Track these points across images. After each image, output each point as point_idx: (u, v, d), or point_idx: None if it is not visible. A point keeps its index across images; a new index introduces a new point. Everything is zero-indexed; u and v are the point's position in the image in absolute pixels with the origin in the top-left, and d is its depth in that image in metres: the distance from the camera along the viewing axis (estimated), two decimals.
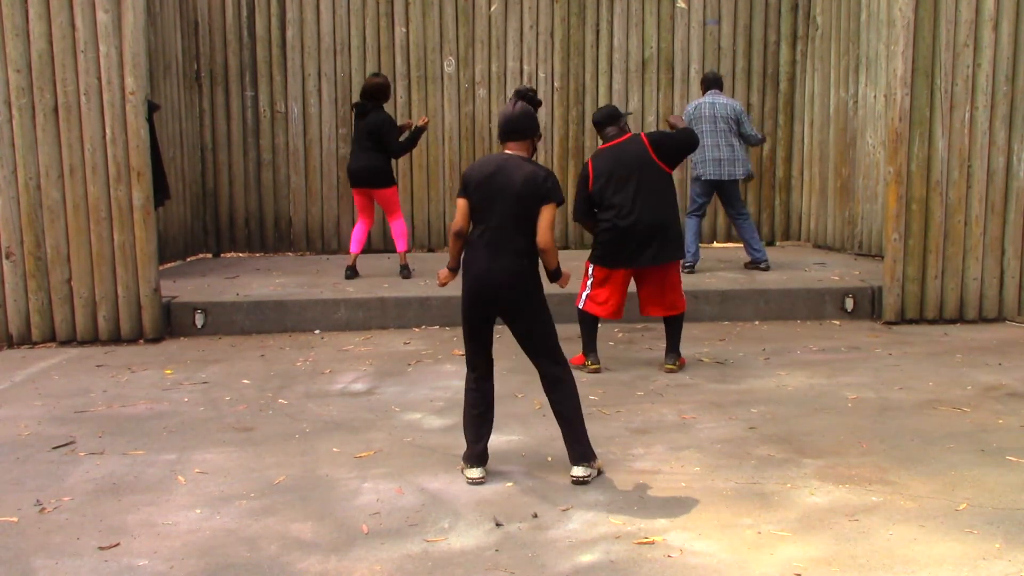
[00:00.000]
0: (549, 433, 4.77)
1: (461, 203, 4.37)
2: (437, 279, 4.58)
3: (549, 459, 4.54)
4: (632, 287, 6.30)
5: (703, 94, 8.49)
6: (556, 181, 4.30)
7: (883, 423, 5.02)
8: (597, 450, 4.62)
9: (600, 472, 4.34)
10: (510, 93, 9.64)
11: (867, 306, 7.70)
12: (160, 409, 5.52)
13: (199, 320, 7.48)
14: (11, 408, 5.60)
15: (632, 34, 10.28)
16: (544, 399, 4.60)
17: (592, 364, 6.15)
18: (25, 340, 7.24)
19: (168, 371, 6.40)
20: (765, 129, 10.48)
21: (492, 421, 4.41)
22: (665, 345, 6.27)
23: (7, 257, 7.16)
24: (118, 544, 3.69)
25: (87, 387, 6.04)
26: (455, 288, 4.88)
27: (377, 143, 8.19)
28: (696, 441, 4.78)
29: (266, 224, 10.44)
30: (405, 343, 7.09)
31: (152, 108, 7.72)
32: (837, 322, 7.61)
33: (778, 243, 10.69)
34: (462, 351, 4.83)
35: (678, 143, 6.12)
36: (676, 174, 9.93)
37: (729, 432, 4.91)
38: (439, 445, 4.80)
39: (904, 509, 3.88)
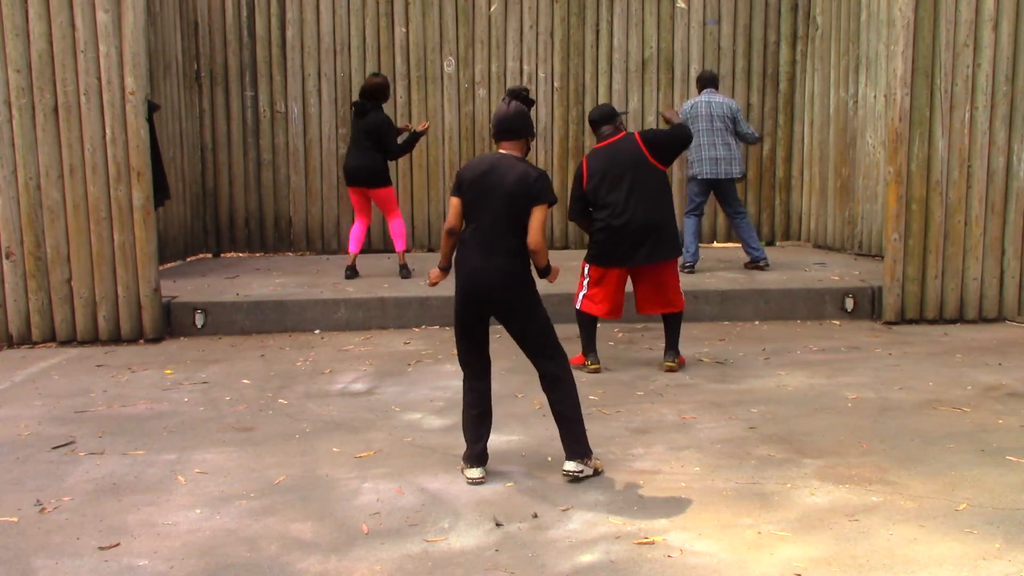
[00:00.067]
0: (549, 433, 4.77)
1: (454, 201, 4.38)
2: (428, 279, 4.58)
3: (549, 459, 4.54)
4: (630, 287, 6.31)
5: (699, 93, 8.49)
6: (548, 181, 4.29)
7: (883, 423, 5.02)
8: (597, 450, 4.62)
9: (598, 472, 4.34)
10: None
11: (867, 306, 7.70)
12: (160, 409, 5.52)
13: (199, 320, 7.48)
14: (11, 408, 5.60)
15: (632, 34, 10.28)
16: (544, 399, 4.60)
17: (592, 364, 6.15)
18: (25, 340, 7.24)
19: (168, 371, 6.40)
20: (765, 129, 10.48)
21: (491, 421, 4.41)
22: (664, 343, 6.27)
23: (7, 257, 7.16)
24: (118, 544, 3.69)
25: (87, 387, 6.04)
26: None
27: (375, 143, 8.19)
28: (696, 441, 4.78)
29: (266, 224, 10.45)
30: (405, 343, 7.09)
31: (152, 108, 7.72)
32: (837, 322, 7.61)
33: (778, 243, 10.69)
34: None
35: (671, 140, 6.12)
36: (676, 174, 10.08)
37: (729, 432, 4.91)
38: (439, 445, 4.80)
39: (904, 509, 3.88)
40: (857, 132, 9.30)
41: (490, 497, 4.11)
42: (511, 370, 6.10)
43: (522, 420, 5.15)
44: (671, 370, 6.15)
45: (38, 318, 7.21)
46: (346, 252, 9.13)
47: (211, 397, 5.76)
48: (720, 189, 8.39)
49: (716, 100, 8.31)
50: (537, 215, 4.23)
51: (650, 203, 5.95)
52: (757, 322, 7.64)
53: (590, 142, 10.18)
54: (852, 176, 9.44)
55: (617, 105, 10.23)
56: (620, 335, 7.25)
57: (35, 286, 7.17)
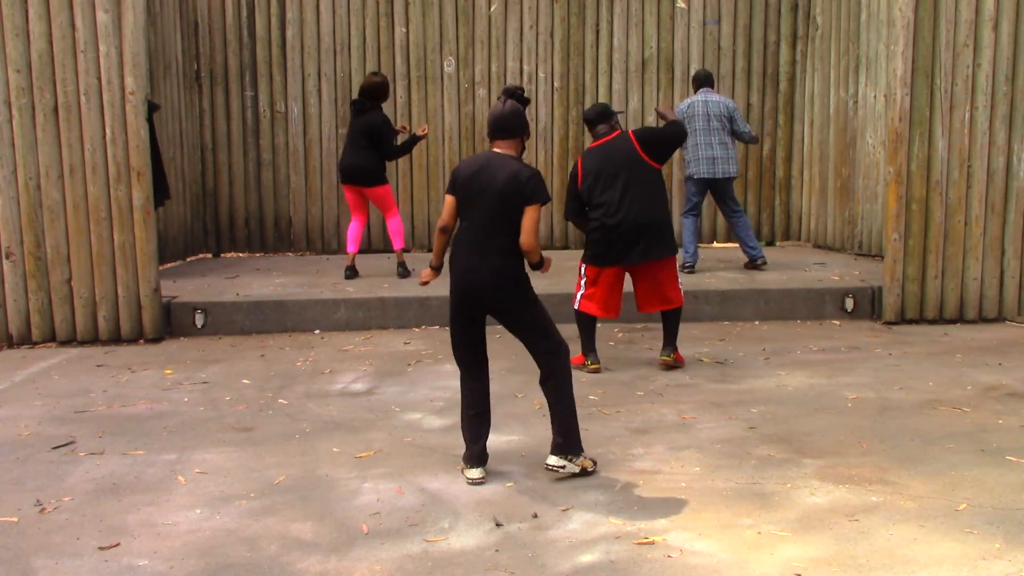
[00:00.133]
0: (549, 433, 4.75)
1: (448, 199, 4.38)
2: (419, 278, 4.57)
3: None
4: (627, 287, 6.31)
5: (694, 92, 8.49)
6: (540, 181, 4.27)
7: (883, 423, 5.02)
8: (597, 450, 4.62)
9: (585, 471, 4.30)
10: None
11: (867, 306, 7.70)
12: (160, 409, 5.52)
13: (199, 320, 7.48)
14: (11, 408, 5.60)
15: (632, 34, 10.28)
16: (544, 399, 4.60)
17: (592, 364, 6.15)
18: (25, 340, 7.24)
19: (168, 371, 6.40)
20: (765, 129, 10.48)
21: (489, 420, 4.41)
22: (662, 339, 6.28)
23: (7, 257, 7.16)
24: (118, 544, 3.69)
25: (87, 387, 6.04)
26: None
27: (371, 142, 8.20)
28: (696, 441, 4.78)
29: (266, 224, 10.44)
30: (405, 343, 7.09)
31: (152, 108, 7.72)
32: (837, 322, 7.61)
33: (778, 243, 10.69)
34: None
35: (665, 138, 6.12)
36: (676, 174, 10.08)
37: (729, 432, 4.91)
38: (439, 445, 4.80)
39: (904, 509, 3.88)
40: (857, 132, 9.30)
41: (490, 497, 4.11)
42: (511, 370, 6.10)
43: (522, 420, 5.15)
44: (666, 364, 6.17)
45: (38, 318, 7.22)
46: (345, 252, 9.13)
47: (211, 397, 5.76)
48: (717, 188, 8.39)
49: (713, 99, 8.31)
50: (530, 215, 4.22)
51: (644, 201, 5.95)
52: (757, 322, 7.64)
53: (590, 142, 10.16)
54: (852, 176, 9.44)
55: (617, 105, 10.23)
56: (620, 335, 7.25)
57: (35, 286, 7.17)
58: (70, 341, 7.27)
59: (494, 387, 5.18)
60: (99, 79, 7.02)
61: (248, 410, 5.48)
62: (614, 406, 5.42)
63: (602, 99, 10.29)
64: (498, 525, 3.80)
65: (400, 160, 9.64)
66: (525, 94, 4.50)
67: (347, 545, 3.66)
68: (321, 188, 10.36)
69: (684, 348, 6.68)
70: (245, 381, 6.10)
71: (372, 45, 10.23)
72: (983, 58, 7.28)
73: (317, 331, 7.52)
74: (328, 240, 10.43)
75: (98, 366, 6.60)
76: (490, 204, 4.23)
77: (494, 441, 4.54)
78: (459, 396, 4.46)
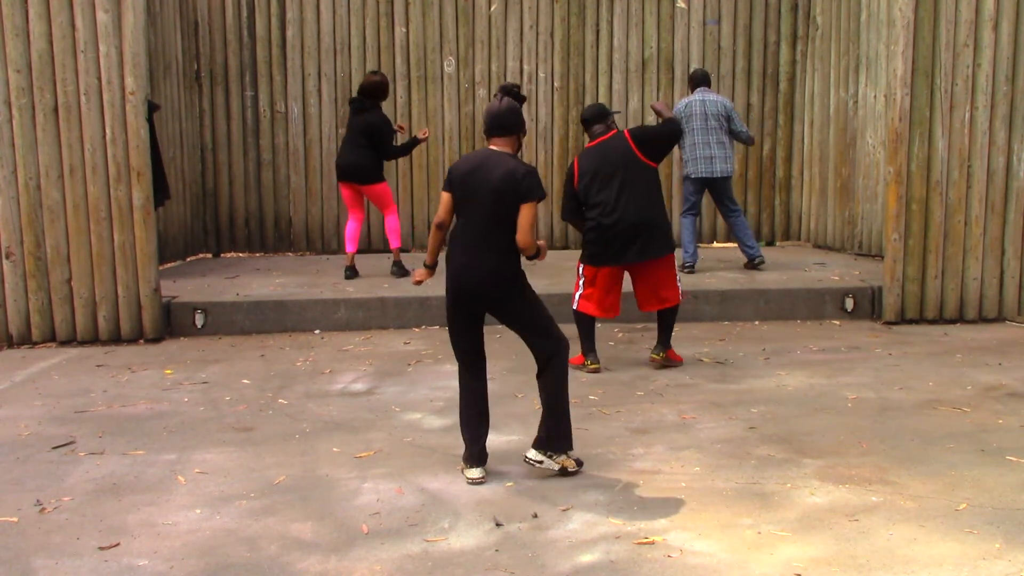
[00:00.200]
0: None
1: (445, 197, 4.38)
2: (412, 277, 4.56)
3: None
4: (628, 287, 6.31)
5: (691, 92, 8.49)
6: (536, 178, 4.26)
7: (883, 423, 5.02)
8: (597, 450, 4.62)
9: (565, 471, 4.30)
10: None
11: (867, 306, 7.70)
12: (160, 409, 5.52)
13: (199, 320, 7.48)
14: (11, 408, 5.60)
15: (632, 34, 10.28)
16: None
17: (592, 364, 6.16)
18: (25, 340, 7.24)
19: (168, 371, 6.40)
20: (765, 129, 10.48)
21: (488, 420, 4.41)
22: (656, 337, 6.29)
23: (7, 257, 7.16)
24: (118, 544, 3.69)
25: (87, 387, 6.04)
26: None
27: (369, 141, 8.20)
28: (696, 441, 4.78)
29: (266, 224, 10.44)
30: (405, 343, 7.09)
31: (152, 108, 7.72)
32: (837, 322, 7.61)
33: (778, 243, 10.69)
34: None
35: (661, 136, 6.12)
36: (676, 174, 10.07)
37: (729, 432, 4.91)
38: (439, 445, 4.80)
39: (904, 509, 3.88)
40: (857, 132, 9.30)
41: (490, 497, 4.11)
42: (511, 370, 6.10)
43: (522, 420, 5.15)
44: (656, 362, 6.18)
45: (38, 318, 7.21)
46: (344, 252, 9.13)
47: (211, 397, 5.76)
48: (715, 188, 8.38)
49: (710, 99, 8.31)
50: (526, 213, 4.21)
51: (640, 201, 5.95)
52: (757, 322, 7.64)
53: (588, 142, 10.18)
54: (852, 176, 9.44)
55: (617, 105, 10.24)
56: (620, 335, 7.25)
57: (35, 286, 7.17)
58: (70, 341, 7.27)
59: (494, 387, 5.18)
60: (99, 79, 7.02)
61: (248, 410, 5.48)
62: (614, 406, 5.42)
63: (602, 99, 10.29)
64: (498, 525, 3.80)
65: (400, 160, 9.65)
66: (522, 92, 4.49)
67: (347, 545, 3.66)
68: (321, 188, 10.36)
69: (684, 348, 6.68)
70: (245, 381, 6.10)
71: (372, 45, 10.23)
72: (983, 58, 7.28)
73: (317, 331, 7.52)
74: (328, 240, 10.43)
75: (98, 366, 6.60)
76: (486, 201, 4.23)
77: (494, 441, 4.54)
78: (458, 396, 4.46)
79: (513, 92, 4.41)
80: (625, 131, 6.13)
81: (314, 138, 10.31)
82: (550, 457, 4.29)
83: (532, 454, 4.31)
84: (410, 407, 5.47)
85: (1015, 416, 5.10)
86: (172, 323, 7.46)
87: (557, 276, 8.12)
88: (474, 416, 4.35)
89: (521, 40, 10.28)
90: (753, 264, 8.54)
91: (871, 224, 9.15)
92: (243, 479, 4.37)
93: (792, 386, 5.77)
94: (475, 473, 4.27)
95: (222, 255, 10.50)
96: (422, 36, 10.22)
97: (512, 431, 4.95)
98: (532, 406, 5.38)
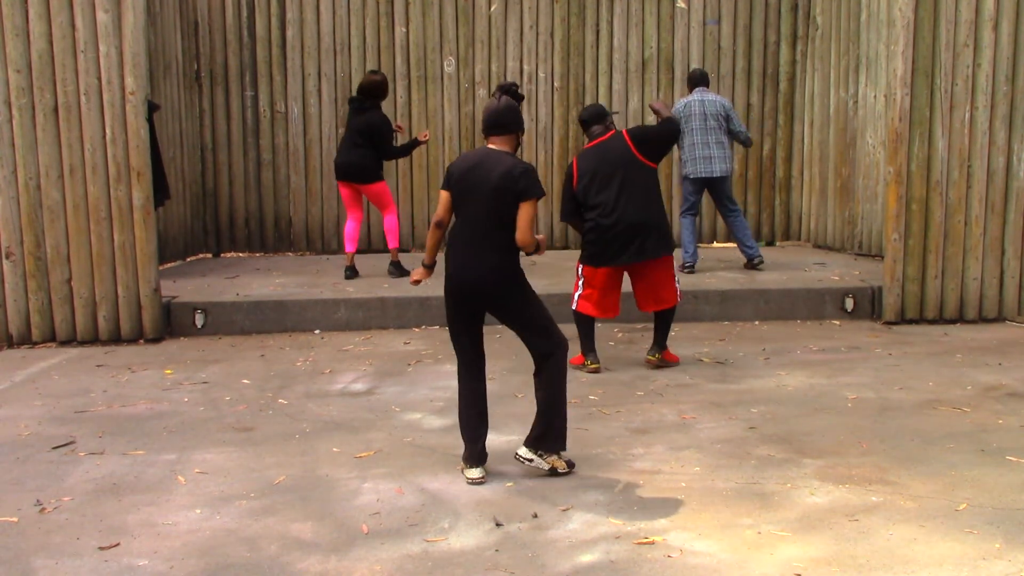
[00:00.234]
0: None
1: (443, 195, 4.38)
2: (410, 277, 4.56)
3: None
4: (627, 287, 6.31)
5: (689, 92, 8.48)
6: (534, 176, 4.25)
7: (883, 423, 5.02)
8: (597, 450, 4.63)
9: (555, 471, 4.29)
10: None
11: (867, 306, 7.70)
12: (160, 409, 5.52)
13: (199, 320, 7.48)
14: (11, 408, 5.60)
15: (632, 34, 10.28)
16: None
17: (591, 364, 6.16)
18: (25, 340, 7.24)
19: (168, 371, 6.40)
20: (765, 129, 10.48)
21: (487, 419, 4.41)
22: (652, 338, 6.29)
23: (7, 257, 7.16)
24: (118, 544, 3.69)
25: (87, 387, 6.04)
26: None
27: (368, 141, 8.20)
28: (696, 441, 4.78)
29: (266, 224, 10.44)
30: (405, 343, 7.09)
31: (152, 108, 7.72)
32: (837, 322, 7.60)
33: (778, 243, 10.69)
34: None
35: (660, 137, 6.12)
36: (675, 173, 10.06)
37: (729, 432, 4.91)
38: (439, 445, 4.80)
39: (904, 509, 3.88)
40: (857, 132, 9.30)
41: (490, 497, 4.11)
42: (511, 370, 6.10)
43: (522, 420, 5.14)
44: (651, 363, 6.19)
45: (38, 318, 7.21)
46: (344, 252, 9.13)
47: (211, 397, 5.76)
48: (713, 187, 8.38)
49: (709, 98, 8.30)
50: (525, 211, 4.20)
51: (639, 201, 5.95)
52: (757, 322, 7.64)
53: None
54: (852, 176, 9.44)
55: (617, 105, 10.24)
56: (620, 335, 7.25)
57: (35, 286, 7.17)
58: (70, 341, 7.27)
59: (494, 387, 5.19)
60: (99, 79, 7.02)
61: (248, 410, 5.48)
62: (614, 406, 5.42)
63: (602, 99, 10.29)
64: (498, 525, 3.80)
65: (400, 160, 9.64)
66: (520, 91, 4.48)
67: (347, 545, 3.66)
68: (321, 188, 10.36)
69: (684, 348, 6.69)
70: (245, 381, 6.10)
71: (372, 45, 10.23)
72: (983, 58, 7.28)
73: (317, 331, 7.52)
74: (328, 240, 10.43)
75: (98, 366, 6.60)
76: (485, 200, 4.22)
77: (494, 441, 4.54)
78: (458, 396, 4.46)
79: (511, 91, 4.40)
80: (624, 131, 6.12)
81: (314, 138, 10.31)
82: (541, 456, 4.30)
83: (523, 452, 4.31)
84: (410, 407, 5.47)
85: (1015, 416, 5.10)
86: (172, 323, 7.46)
87: (557, 276, 8.12)
88: (474, 416, 4.35)
89: (521, 40, 10.28)
90: (752, 264, 8.53)
91: (871, 224, 9.15)
92: (243, 479, 4.37)
93: (792, 386, 5.77)
94: (475, 473, 4.27)
95: (222, 255, 10.50)
96: (422, 36, 10.22)
97: (512, 431, 4.95)
98: (532, 406, 5.35)
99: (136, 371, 6.42)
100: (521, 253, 4.34)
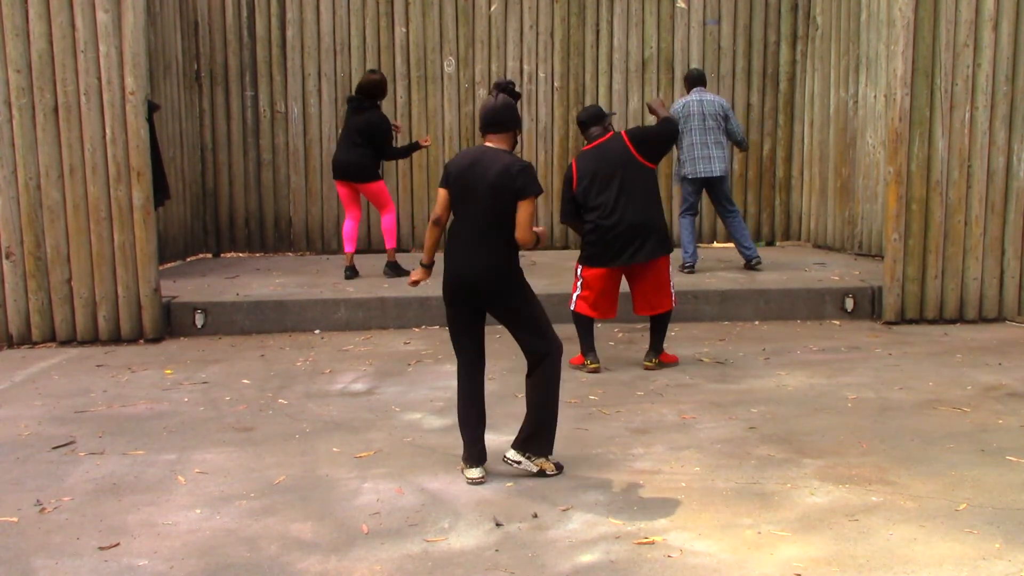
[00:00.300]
0: None
1: (442, 193, 4.37)
2: (409, 278, 4.55)
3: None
4: (625, 287, 6.32)
5: (687, 92, 8.47)
6: (532, 174, 4.24)
7: (883, 423, 5.02)
8: (597, 450, 4.63)
9: (544, 473, 4.30)
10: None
11: (867, 306, 7.70)
12: (160, 409, 5.52)
13: (199, 320, 7.48)
14: (11, 408, 5.60)
15: (632, 34, 10.28)
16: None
17: (591, 364, 6.16)
18: (25, 340, 7.24)
19: (168, 371, 6.40)
20: (765, 129, 10.49)
21: (485, 419, 4.40)
22: (648, 343, 6.30)
23: (7, 257, 7.16)
24: (118, 544, 3.69)
25: (87, 387, 6.04)
26: None
27: (367, 141, 8.20)
28: (696, 441, 4.78)
29: (266, 224, 10.44)
30: (405, 343, 7.09)
31: (152, 108, 7.72)
32: (837, 322, 7.60)
33: (778, 243, 10.69)
34: None
35: (658, 137, 6.13)
36: (671, 174, 10.06)
37: (729, 432, 4.91)
38: (439, 445, 4.80)
39: (904, 509, 3.88)
40: (857, 132, 9.30)
41: (490, 497, 4.11)
42: (511, 370, 6.10)
43: (522, 420, 5.14)
44: (648, 368, 6.20)
45: (38, 318, 7.21)
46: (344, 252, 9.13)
47: (211, 397, 5.76)
48: (712, 187, 8.38)
49: (708, 99, 8.30)
50: (524, 209, 4.19)
51: (639, 202, 5.96)
52: (757, 322, 7.64)
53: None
54: (852, 176, 9.44)
55: (617, 105, 10.24)
56: (620, 335, 7.25)
57: (35, 286, 7.17)
58: (70, 341, 7.27)
59: (494, 387, 5.19)
60: (99, 79, 7.02)
61: (248, 410, 5.48)
62: (614, 406, 5.42)
63: (602, 99, 10.30)
64: (498, 525, 3.80)
65: (401, 159, 9.64)
66: (516, 88, 4.46)
67: (347, 545, 3.66)
68: (321, 188, 10.36)
69: (684, 348, 6.69)
70: (245, 381, 6.10)
71: (372, 45, 10.23)
72: (983, 58, 7.28)
73: (317, 331, 7.52)
74: (328, 240, 10.43)
75: (98, 366, 6.60)
76: (483, 198, 4.22)
77: (494, 441, 4.54)
78: (457, 396, 4.46)
79: (508, 88, 4.39)
80: (623, 132, 6.13)
81: (314, 138, 10.31)
82: (529, 459, 4.30)
83: (511, 454, 4.31)
84: (410, 407, 5.47)
85: (1015, 416, 5.10)
86: (172, 323, 7.46)
87: (557, 276, 8.12)
88: (473, 416, 4.35)
89: (521, 40, 10.28)
90: (751, 265, 8.53)
91: (871, 224, 9.16)
92: (243, 479, 4.37)
93: (792, 386, 5.77)
94: (475, 473, 4.27)
95: (222, 255, 10.50)
96: (422, 36, 10.22)
97: (512, 431, 4.92)
98: None
99: (136, 371, 6.42)
100: (521, 252, 4.34)
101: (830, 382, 5.84)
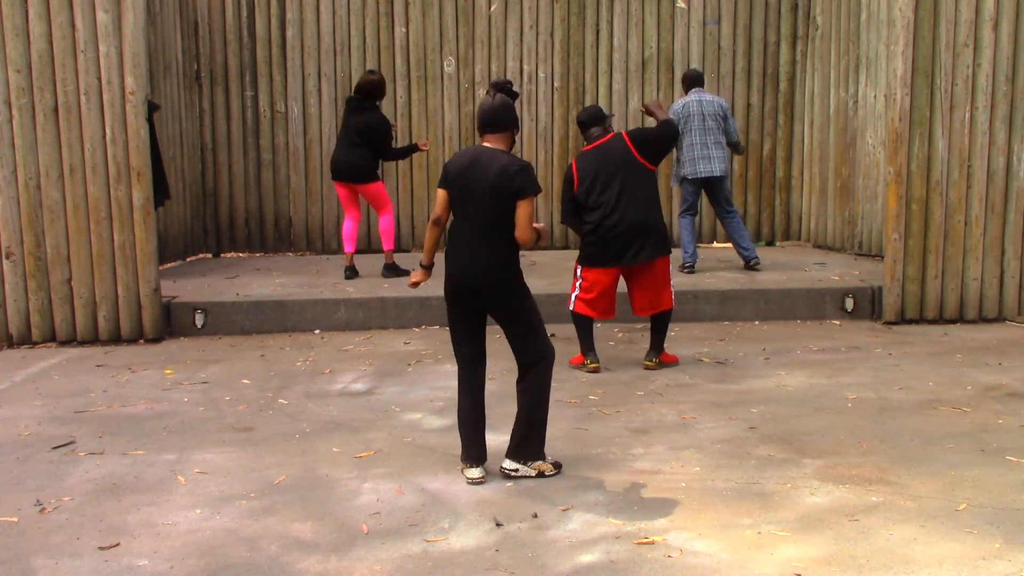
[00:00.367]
0: (549, 433, 4.75)
1: (440, 193, 4.37)
2: (409, 279, 4.55)
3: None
4: (623, 287, 6.32)
5: (685, 93, 8.47)
6: (530, 173, 4.24)
7: (883, 423, 5.02)
8: (597, 450, 4.63)
9: (543, 475, 4.30)
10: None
11: (867, 306, 7.70)
12: (160, 409, 5.52)
13: (199, 320, 7.48)
14: (11, 408, 5.60)
15: (632, 34, 10.28)
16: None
17: (591, 363, 6.16)
18: (25, 340, 7.24)
19: (168, 371, 6.40)
20: (765, 129, 10.49)
21: (485, 419, 4.40)
22: (649, 342, 6.30)
23: (7, 257, 7.16)
24: (118, 544, 3.69)
25: (87, 387, 6.04)
26: None
27: (366, 141, 8.20)
28: (696, 441, 4.78)
29: (266, 224, 10.45)
30: (405, 343, 7.09)
31: (152, 108, 7.72)
32: (837, 322, 7.60)
33: (778, 243, 10.69)
34: None
35: (659, 139, 6.14)
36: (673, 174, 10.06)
37: (729, 432, 4.91)
38: (439, 445, 4.80)
39: (904, 509, 3.88)
40: (857, 132, 9.30)
41: (490, 497, 4.11)
42: (511, 370, 6.06)
43: None
44: (649, 368, 6.20)
45: (38, 318, 7.21)
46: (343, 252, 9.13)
47: (211, 397, 5.76)
48: (712, 187, 8.37)
49: (707, 99, 8.30)
50: (523, 209, 4.19)
51: (640, 203, 5.96)
52: (757, 322, 7.64)
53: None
54: (852, 176, 9.44)
55: (617, 105, 10.24)
56: (620, 335, 7.25)
57: (35, 286, 7.17)
58: (70, 341, 7.27)
59: (494, 387, 5.19)
60: (99, 79, 7.02)
61: (248, 410, 5.48)
62: (614, 406, 5.42)
63: (602, 99, 10.30)
64: (498, 525, 3.80)
65: (401, 160, 9.64)
66: (513, 87, 4.46)
67: (347, 545, 3.66)
68: (321, 188, 10.36)
69: (684, 348, 6.69)
70: (245, 381, 6.10)
71: (372, 45, 10.23)
72: (983, 58, 7.28)
73: (317, 331, 7.52)
74: (328, 240, 10.43)
75: (98, 366, 6.60)
76: (482, 198, 4.22)
77: (494, 441, 4.54)
78: (457, 396, 4.46)
79: (505, 88, 4.38)
80: (623, 133, 6.13)
81: (314, 138, 10.31)
82: (525, 464, 4.30)
83: (507, 464, 4.31)
84: (410, 407, 5.47)
85: (1015, 416, 5.10)
86: (172, 323, 7.46)
87: (557, 276, 8.13)
88: (473, 416, 4.35)
89: (521, 40, 10.28)
90: (750, 266, 8.53)
91: (871, 224, 9.16)
92: (243, 479, 4.37)
93: (792, 386, 5.77)
94: (475, 473, 4.27)
95: (222, 255, 10.50)
96: (422, 36, 10.22)
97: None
98: None
99: (136, 371, 6.42)
100: (521, 252, 4.34)
101: (830, 382, 5.84)
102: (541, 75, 10.29)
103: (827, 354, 6.57)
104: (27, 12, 6.93)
